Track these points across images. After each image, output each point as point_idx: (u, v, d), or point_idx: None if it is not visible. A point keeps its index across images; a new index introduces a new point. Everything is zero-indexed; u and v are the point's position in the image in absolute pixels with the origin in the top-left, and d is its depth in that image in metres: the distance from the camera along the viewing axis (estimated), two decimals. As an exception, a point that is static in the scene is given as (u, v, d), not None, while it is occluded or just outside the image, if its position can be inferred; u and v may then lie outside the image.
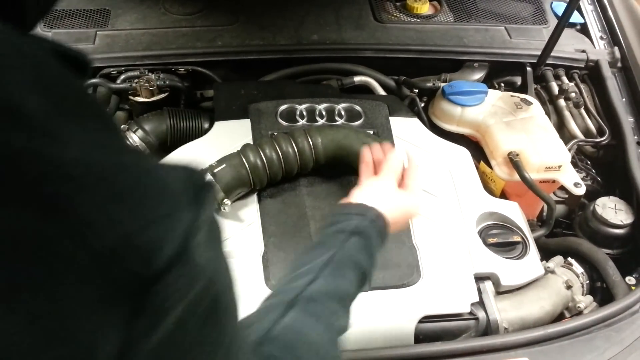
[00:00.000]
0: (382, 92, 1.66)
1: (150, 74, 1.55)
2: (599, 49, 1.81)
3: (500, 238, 1.25)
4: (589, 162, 1.64)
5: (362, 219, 0.87)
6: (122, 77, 1.55)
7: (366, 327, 1.09)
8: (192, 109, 1.55)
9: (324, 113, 1.41)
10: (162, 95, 1.55)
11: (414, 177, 1.04)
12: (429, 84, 1.68)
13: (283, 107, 1.41)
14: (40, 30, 1.65)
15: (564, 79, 1.74)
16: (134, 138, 1.39)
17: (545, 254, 1.33)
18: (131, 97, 1.55)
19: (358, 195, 0.95)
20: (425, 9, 1.85)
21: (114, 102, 1.55)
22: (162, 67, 1.59)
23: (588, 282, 1.31)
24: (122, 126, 1.42)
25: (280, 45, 1.69)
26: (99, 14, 1.73)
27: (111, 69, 1.57)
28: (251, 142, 1.31)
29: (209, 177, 1.16)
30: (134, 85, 1.53)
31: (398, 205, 0.96)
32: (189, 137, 1.42)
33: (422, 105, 1.65)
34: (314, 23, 1.76)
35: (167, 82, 1.55)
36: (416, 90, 1.67)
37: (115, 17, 1.73)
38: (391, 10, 1.85)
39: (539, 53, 1.69)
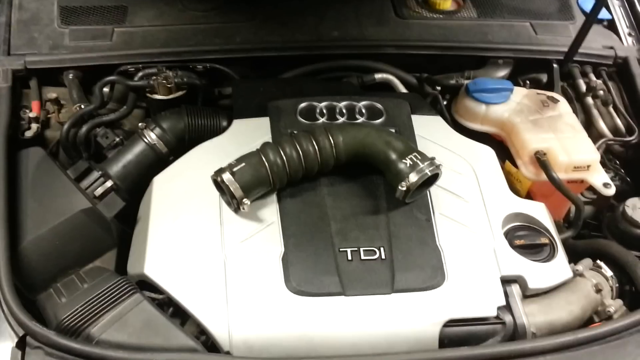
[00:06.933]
0: (403, 89, 1.63)
1: (168, 71, 1.53)
2: (627, 46, 1.76)
3: (527, 240, 1.21)
4: (617, 162, 1.61)
5: None
6: (140, 74, 1.54)
7: (388, 330, 1.06)
8: (210, 106, 1.53)
9: (344, 111, 1.39)
10: (180, 93, 1.53)
11: None
12: (452, 81, 1.65)
13: (303, 104, 1.39)
14: (58, 27, 1.64)
15: (592, 76, 1.70)
16: (152, 136, 1.38)
17: (573, 256, 1.29)
18: (149, 95, 1.53)
19: None
20: (448, 4, 1.82)
21: (131, 100, 1.54)
22: (180, 64, 1.58)
23: (617, 285, 1.27)
24: (140, 124, 1.40)
25: (299, 42, 1.67)
26: (116, 11, 1.71)
27: (128, 66, 1.56)
28: (270, 141, 1.29)
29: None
30: (151, 82, 1.51)
31: None
32: (207, 135, 1.40)
33: (445, 103, 1.62)
34: (334, 19, 1.73)
35: (185, 80, 1.53)
36: (439, 88, 1.64)
37: (133, 13, 1.71)
38: (413, 6, 1.81)
39: (565, 49, 1.65)
